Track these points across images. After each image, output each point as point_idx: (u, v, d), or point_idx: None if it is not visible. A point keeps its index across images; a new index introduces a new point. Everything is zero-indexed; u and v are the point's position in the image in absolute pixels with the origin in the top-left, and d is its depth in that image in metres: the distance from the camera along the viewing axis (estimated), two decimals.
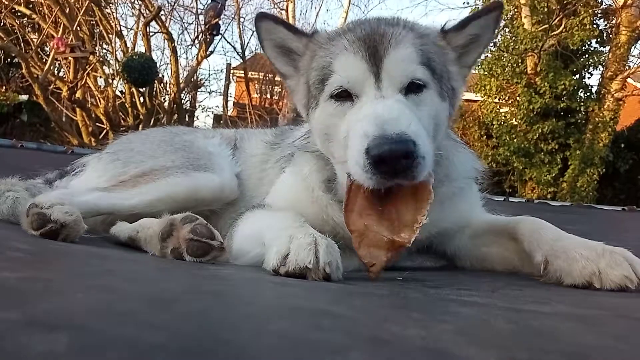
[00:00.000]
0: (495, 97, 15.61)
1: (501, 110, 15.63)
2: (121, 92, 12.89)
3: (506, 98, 15.58)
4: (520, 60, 15.05)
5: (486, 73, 15.45)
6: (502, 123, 15.27)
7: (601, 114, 14.48)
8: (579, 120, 14.75)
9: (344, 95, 1.71)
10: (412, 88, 1.70)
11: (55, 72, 12.99)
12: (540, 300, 1.38)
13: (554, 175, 14.40)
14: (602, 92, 14.78)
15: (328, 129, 1.77)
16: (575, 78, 14.68)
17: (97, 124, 11.89)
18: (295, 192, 2.02)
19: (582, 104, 14.75)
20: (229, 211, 2.31)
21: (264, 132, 2.76)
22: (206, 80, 19.05)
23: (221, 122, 16.42)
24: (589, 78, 15.86)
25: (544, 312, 1.18)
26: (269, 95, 19.38)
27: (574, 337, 0.87)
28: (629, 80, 15.28)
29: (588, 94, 15.06)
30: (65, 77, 11.64)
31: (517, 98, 14.95)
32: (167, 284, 1.09)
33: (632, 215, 5.06)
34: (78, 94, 11.27)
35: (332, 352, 0.63)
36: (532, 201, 6.41)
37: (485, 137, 15.74)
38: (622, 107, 14.79)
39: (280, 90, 18.81)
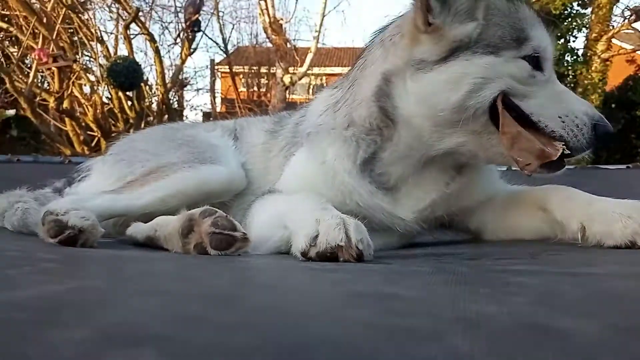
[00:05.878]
0: None
1: None
2: (108, 97, 12.69)
3: None
4: None
5: None
6: None
7: (589, 76, 14.48)
8: (569, 84, 14.74)
9: (534, 64, 1.75)
10: None
11: (40, 83, 12.77)
12: (586, 262, 1.34)
13: None
14: (588, 54, 14.77)
15: (497, 80, 1.70)
16: (560, 43, 14.64)
17: (88, 132, 11.72)
18: (311, 177, 1.95)
19: (569, 67, 14.74)
20: (237, 202, 2.28)
21: (263, 120, 2.71)
22: (192, 78, 18.81)
23: (210, 119, 16.24)
24: (573, 41, 15.86)
25: (600, 273, 1.15)
26: (255, 88, 19.21)
27: None
28: (613, 40, 15.26)
29: (575, 57, 15.04)
30: (50, 88, 11.44)
31: None
32: (215, 281, 1.05)
33: (636, 172, 5.05)
34: (65, 104, 11.06)
35: (428, 338, 0.59)
36: None
37: None
38: (609, 67, 14.79)
39: (266, 82, 18.65)
